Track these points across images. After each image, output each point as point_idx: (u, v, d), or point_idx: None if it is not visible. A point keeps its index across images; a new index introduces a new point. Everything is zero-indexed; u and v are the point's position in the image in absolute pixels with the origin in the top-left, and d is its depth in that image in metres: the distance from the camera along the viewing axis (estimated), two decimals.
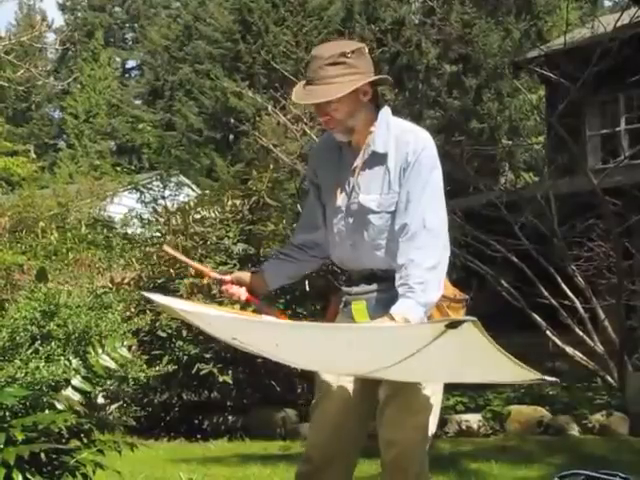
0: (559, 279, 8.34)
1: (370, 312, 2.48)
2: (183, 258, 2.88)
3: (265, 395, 8.11)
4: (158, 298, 2.60)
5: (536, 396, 7.54)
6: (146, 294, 2.80)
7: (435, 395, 2.54)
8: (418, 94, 16.66)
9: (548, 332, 8.31)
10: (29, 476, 2.61)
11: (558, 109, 8.46)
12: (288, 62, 19.33)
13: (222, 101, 24.82)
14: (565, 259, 8.37)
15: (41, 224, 12.64)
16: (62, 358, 2.96)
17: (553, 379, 2.22)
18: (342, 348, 2.11)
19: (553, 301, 8.28)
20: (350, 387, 2.55)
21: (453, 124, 14.92)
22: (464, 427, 7.07)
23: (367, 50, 2.54)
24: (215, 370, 7.61)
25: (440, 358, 2.08)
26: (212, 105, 25.60)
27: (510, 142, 15.46)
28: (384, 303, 2.43)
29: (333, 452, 2.55)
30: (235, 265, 8.19)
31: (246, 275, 2.66)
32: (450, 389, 6.91)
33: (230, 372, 7.70)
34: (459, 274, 8.15)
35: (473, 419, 7.13)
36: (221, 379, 7.64)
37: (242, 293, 2.62)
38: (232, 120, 23.32)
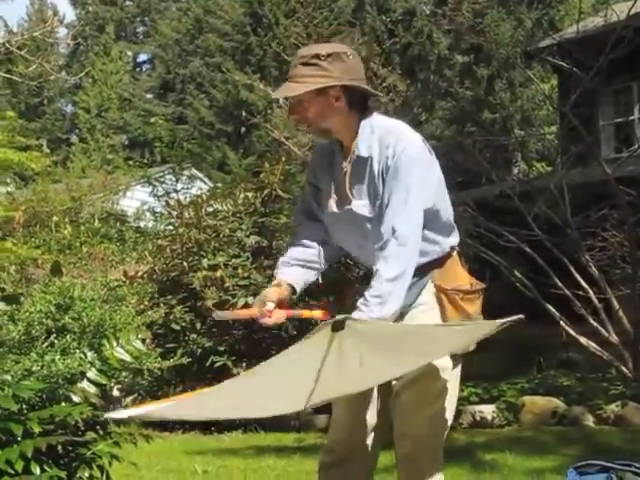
0: (573, 269, 8.30)
1: None
2: (232, 316, 2.66)
3: None
4: (123, 413, 2.57)
5: (550, 387, 7.51)
6: (109, 414, 2.74)
7: (449, 386, 2.53)
8: (430, 85, 16.57)
9: (562, 322, 8.27)
10: (46, 468, 2.63)
11: (571, 98, 8.41)
12: None
13: (233, 94, 24.82)
14: (579, 249, 8.33)
15: (55, 218, 12.72)
16: (77, 351, 2.96)
17: (516, 317, 2.16)
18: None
19: (567, 291, 8.25)
20: None
21: (465, 115, 14.84)
22: (478, 418, 7.05)
23: (351, 56, 2.46)
24: (229, 363, 7.63)
25: (372, 354, 2.16)
26: (223, 98, 25.61)
27: (522, 132, 15.38)
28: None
29: (354, 446, 2.60)
30: (248, 258, 8.21)
31: (270, 293, 2.54)
32: (464, 380, 6.89)
33: (244, 365, 7.72)
34: (472, 265, 8.13)
35: (487, 410, 7.12)
36: (235, 372, 7.66)
37: (281, 315, 2.51)
38: (243, 113, 23.34)
